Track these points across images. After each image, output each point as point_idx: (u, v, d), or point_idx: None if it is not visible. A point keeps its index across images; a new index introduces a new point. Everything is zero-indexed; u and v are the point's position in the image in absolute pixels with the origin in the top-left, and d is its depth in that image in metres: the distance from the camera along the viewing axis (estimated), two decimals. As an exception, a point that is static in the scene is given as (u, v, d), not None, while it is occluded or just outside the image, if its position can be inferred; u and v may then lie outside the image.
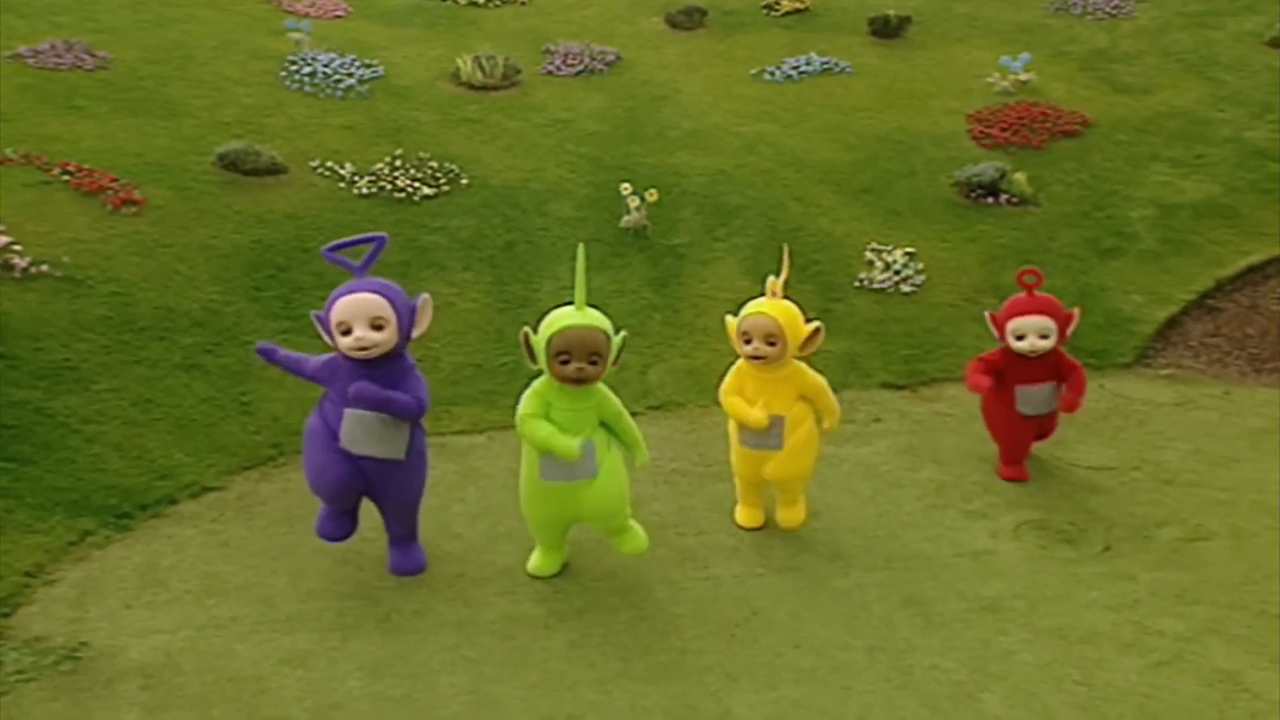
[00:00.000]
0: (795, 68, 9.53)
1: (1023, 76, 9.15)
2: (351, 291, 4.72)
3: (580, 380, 4.72)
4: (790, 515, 5.34)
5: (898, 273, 7.25)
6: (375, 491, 4.88)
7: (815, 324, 5.22)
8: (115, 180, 7.31)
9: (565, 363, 4.68)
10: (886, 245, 7.49)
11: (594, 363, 4.69)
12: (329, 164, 7.96)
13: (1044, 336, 5.63)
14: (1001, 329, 5.70)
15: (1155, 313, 7.16)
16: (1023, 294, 5.70)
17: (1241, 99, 9.10)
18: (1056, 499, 5.47)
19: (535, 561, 5.04)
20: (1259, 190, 8.14)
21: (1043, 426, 5.92)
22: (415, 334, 4.82)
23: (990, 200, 7.93)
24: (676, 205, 7.77)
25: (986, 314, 5.85)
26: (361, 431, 4.77)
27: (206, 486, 5.52)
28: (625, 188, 7.57)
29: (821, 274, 7.31)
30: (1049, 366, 5.74)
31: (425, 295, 4.91)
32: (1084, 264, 7.43)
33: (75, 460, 5.40)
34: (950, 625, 4.80)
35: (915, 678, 4.51)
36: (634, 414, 6.31)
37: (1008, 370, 5.74)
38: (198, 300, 6.60)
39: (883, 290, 7.17)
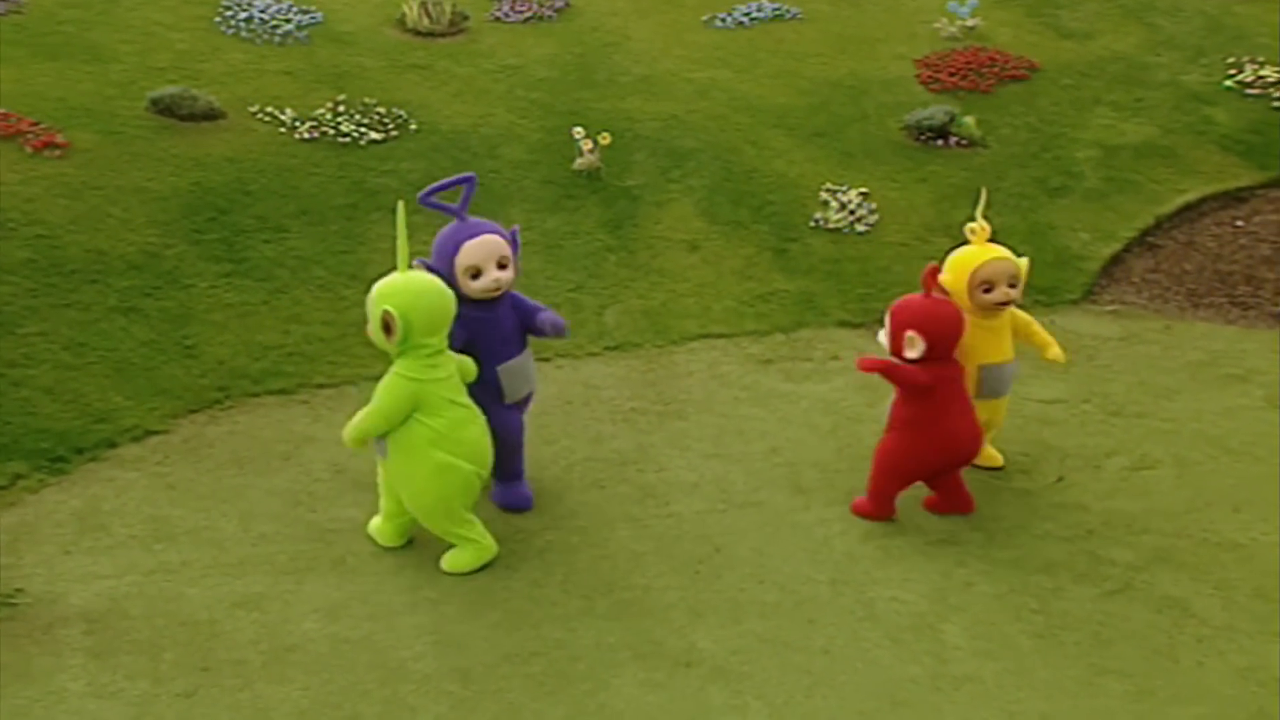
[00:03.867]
0: (746, 14, 9.43)
1: (969, 22, 9.16)
2: (473, 235, 4.66)
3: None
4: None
5: (852, 212, 7.24)
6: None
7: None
8: (35, 124, 7.00)
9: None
10: (841, 186, 7.47)
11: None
12: (269, 109, 7.71)
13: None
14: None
15: (1101, 250, 7.26)
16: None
17: (1176, 44, 9.24)
18: (1010, 431, 5.52)
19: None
20: (1194, 132, 8.30)
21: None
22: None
23: (940, 143, 7.95)
24: (629, 149, 7.66)
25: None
26: (522, 378, 4.86)
27: (149, 430, 5.33)
28: (578, 131, 7.45)
29: (777, 214, 7.28)
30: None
31: (517, 226, 4.98)
32: (1033, 202, 7.49)
33: (0, 404, 5.18)
34: (910, 558, 4.83)
35: (877, 610, 4.54)
36: (591, 355, 6.34)
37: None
38: (133, 243, 6.36)
39: (838, 230, 7.16)
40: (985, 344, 5.03)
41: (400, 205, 4.58)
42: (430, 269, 4.65)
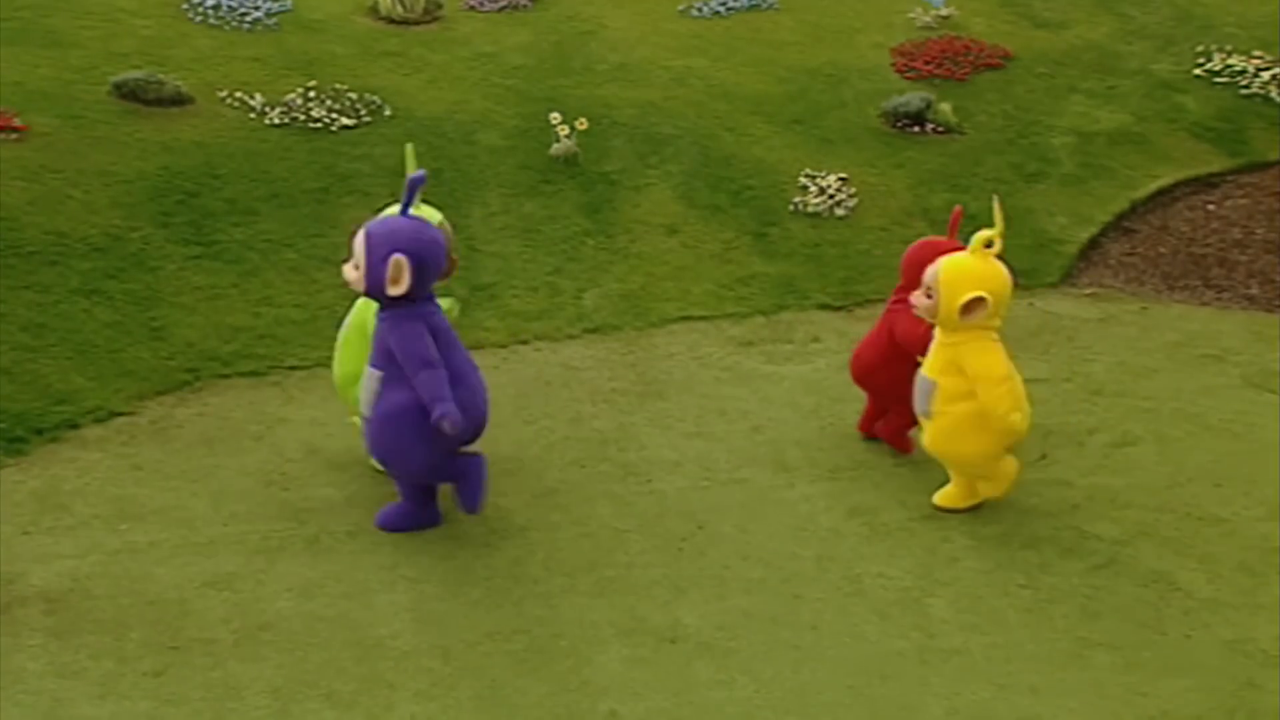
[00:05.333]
0: (723, 3, 9.39)
1: (944, 12, 9.19)
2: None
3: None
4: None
5: (832, 197, 7.21)
6: None
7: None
8: (-10, 108, 6.84)
9: None
10: (820, 171, 7.44)
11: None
12: (238, 95, 7.58)
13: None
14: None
15: (1078, 233, 7.27)
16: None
17: (1147, 33, 9.34)
18: (994, 411, 5.49)
19: None
20: (1165, 119, 8.37)
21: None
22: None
23: (917, 129, 7.95)
24: (606, 135, 7.60)
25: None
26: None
27: (114, 411, 5.18)
28: (555, 116, 7.38)
29: (756, 199, 7.23)
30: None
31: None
32: (1010, 187, 7.48)
33: (-49, 386, 5.03)
34: (895, 534, 4.78)
35: (864, 585, 4.48)
36: (570, 337, 6.25)
37: None
38: (96, 226, 6.19)
39: (817, 215, 7.12)
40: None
41: (409, 147, 4.60)
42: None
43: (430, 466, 4.42)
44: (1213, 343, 6.35)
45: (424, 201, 4.66)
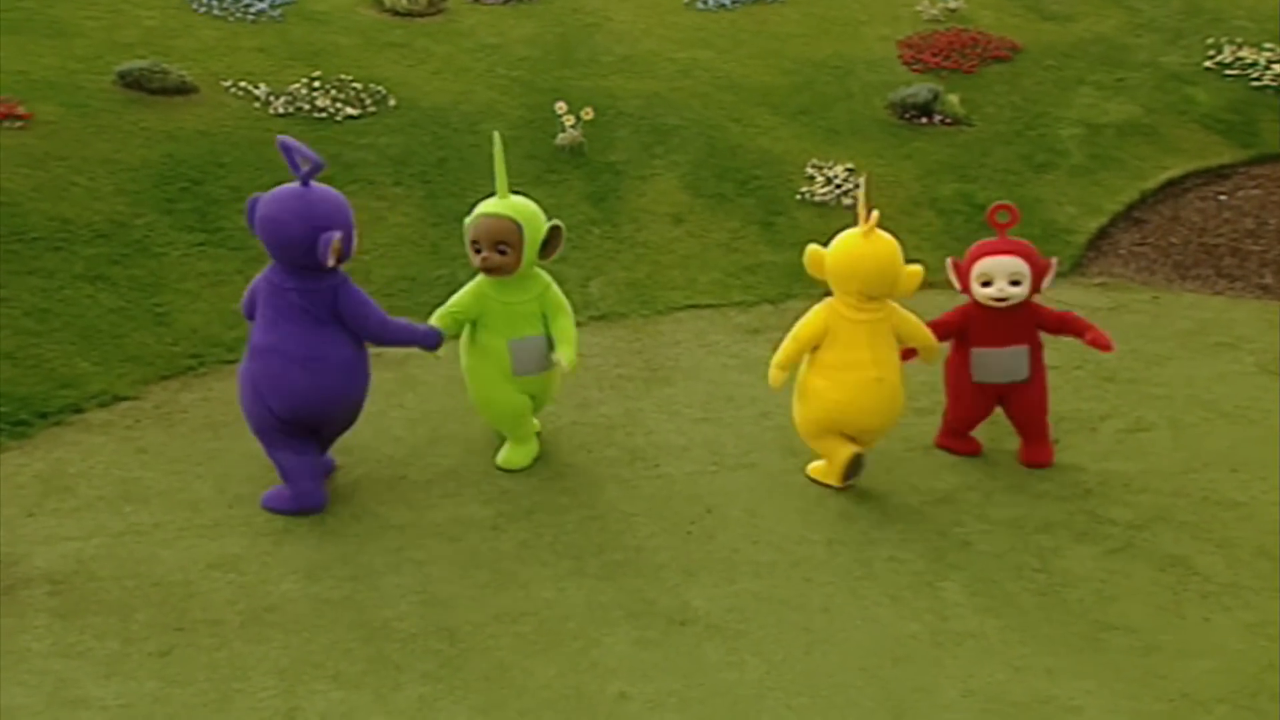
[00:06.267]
0: (727, -4, 9.39)
1: (951, 4, 9.14)
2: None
3: (488, 270, 4.63)
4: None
5: (839, 187, 7.16)
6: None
7: None
8: (-7, 96, 6.81)
9: (477, 251, 4.65)
10: (827, 161, 7.39)
11: (502, 252, 4.61)
12: (242, 84, 7.54)
13: (1015, 283, 4.81)
14: (966, 277, 4.91)
15: (1087, 223, 7.22)
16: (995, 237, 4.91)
17: (1156, 26, 9.29)
18: (1005, 397, 5.43)
19: (507, 455, 4.88)
20: (1175, 111, 8.32)
21: (1008, 402, 5.03)
22: None
23: (924, 120, 7.90)
24: (612, 126, 7.56)
25: (949, 261, 5.01)
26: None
27: (118, 395, 5.14)
28: (560, 106, 7.34)
29: (763, 188, 7.18)
30: (1017, 326, 4.92)
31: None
32: (1019, 177, 7.45)
33: (-47, 370, 4.98)
34: (907, 518, 4.73)
35: (875, 569, 4.42)
36: (577, 325, 6.16)
37: (969, 329, 4.96)
38: (100, 212, 6.16)
39: (824, 204, 7.08)
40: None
41: (496, 135, 4.76)
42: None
43: (257, 429, 4.48)
44: (1226, 331, 6.29)
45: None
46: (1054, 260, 5.02)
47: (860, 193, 4.79)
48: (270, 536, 4.35)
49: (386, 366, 5.59)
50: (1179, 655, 4.00)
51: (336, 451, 4.89)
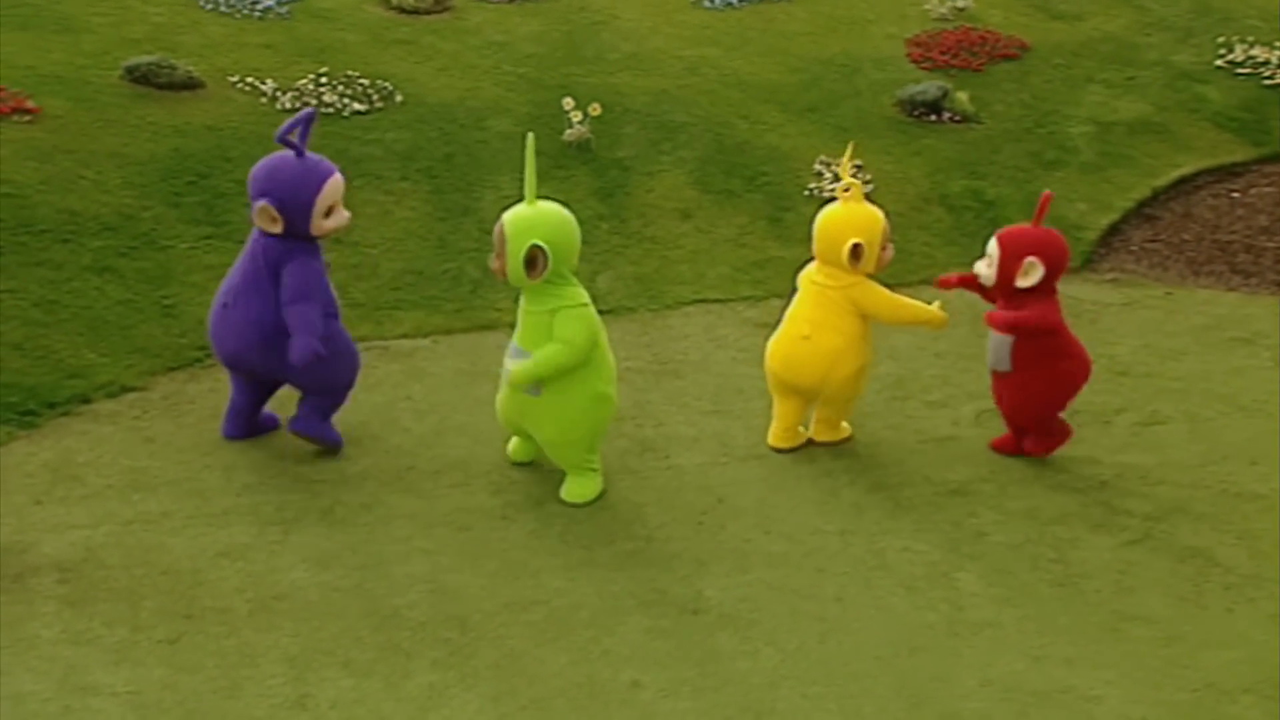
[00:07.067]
0: (734, -5, 9.38)
1: (959, 3, 9.12)
2: (330, 173, 4.63)
3: (495, 271, 4.50)
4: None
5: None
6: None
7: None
8: (2, 90, 6.77)
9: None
10: (836, 158, 7.36)
11: (500, 255, 4.43)
12: (249, 80, 7.53)
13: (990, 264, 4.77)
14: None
15: (1098, 219, 7.18)
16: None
17: (1166, 25, 9.27)
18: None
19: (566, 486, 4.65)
20: (1186, 109, 8.29)
21: (1004, 398, 4.92)
22: None
23: (933, 118, 7.87)
24: (619, 122, 7.53)
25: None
26: None
27: (126, 386, 5.10)
28: (568, 102, 7.32)
29: (771, 184, 7.15)
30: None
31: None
32: (1029, 174, 7.41)
33: (-38, 360, 4.95)
34: (920, 509, 4.68)
35: (889, 559, 4.37)
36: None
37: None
38: (108, 205, 6.13)
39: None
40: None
41: (530, 136, 4.52)
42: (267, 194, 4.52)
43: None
44: (1241, 326, 6.25)
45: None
46: (1033, 258, 4.71)
47: (844, 160, 5.11)
48: (279, 525, 4.31)
49: (393, 359, 5.57)
50: (1202, 646, 3.94)
51: (346, 441, 4.84)
